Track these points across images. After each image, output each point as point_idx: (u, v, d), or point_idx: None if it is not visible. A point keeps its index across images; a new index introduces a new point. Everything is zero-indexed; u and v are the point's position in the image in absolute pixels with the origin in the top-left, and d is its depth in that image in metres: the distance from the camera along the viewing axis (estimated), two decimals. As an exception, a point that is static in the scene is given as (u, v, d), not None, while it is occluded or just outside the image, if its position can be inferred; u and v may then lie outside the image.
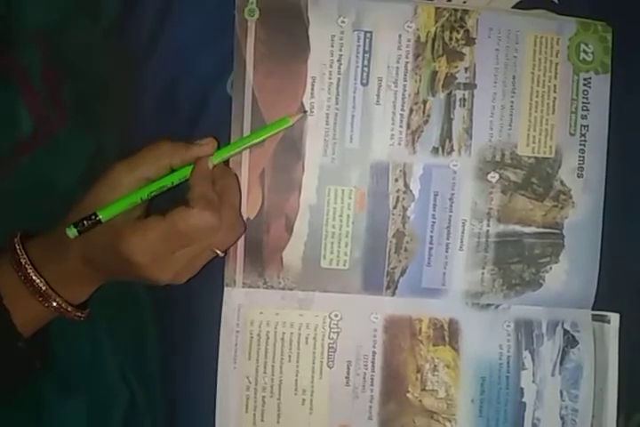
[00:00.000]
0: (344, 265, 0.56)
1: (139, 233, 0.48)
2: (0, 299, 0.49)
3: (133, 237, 0.48)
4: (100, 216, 0.48)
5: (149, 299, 0.57)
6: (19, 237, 0.50)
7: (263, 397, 0.56)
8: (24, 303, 0.50)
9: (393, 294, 0.56)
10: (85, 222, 0.48)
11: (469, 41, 0.55)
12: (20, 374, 0.52)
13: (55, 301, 0.50)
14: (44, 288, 0.49)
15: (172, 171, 0.51)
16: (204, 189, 0.49)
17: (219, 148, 0.52)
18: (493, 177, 0.56)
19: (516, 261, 0.57)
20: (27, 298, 0.49)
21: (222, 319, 0.56)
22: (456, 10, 0.55)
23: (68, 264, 0.50)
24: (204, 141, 0.51)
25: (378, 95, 0.55)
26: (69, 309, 0.51)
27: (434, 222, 0.56)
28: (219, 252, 0.51)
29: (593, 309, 0.57)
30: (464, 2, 0.56)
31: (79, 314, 0.51)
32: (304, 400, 0.56)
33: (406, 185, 0.56)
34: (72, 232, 0.48)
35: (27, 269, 0.49)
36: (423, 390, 0.57)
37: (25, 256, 0.49)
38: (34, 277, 0.49)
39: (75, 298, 0.51)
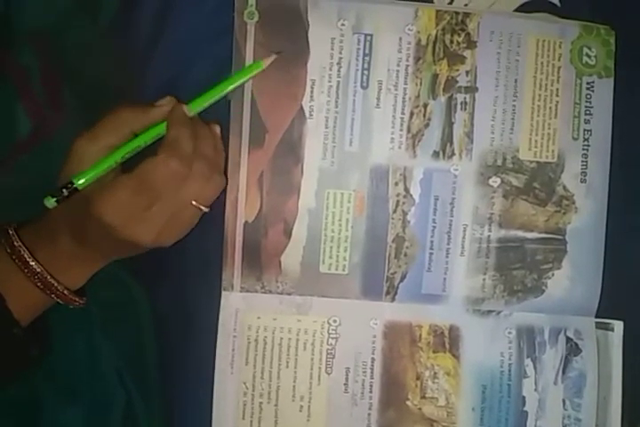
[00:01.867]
0: (343, 270, 0.55)
1: (106, 193, 0.47)
2: None
3: (102, 198, 0.47)
4: (76, 184, 0.48)
5: (147, 303, 0.56)
6: (10, 224, 0.50)
7: (260, 403, 0.56)
8: (19, 289, 0.49)
9: (393, 299, 0.56)
10: (63, 191, 0.48)
11: (470, 44, 0.55)
12: (17, 361, 0.52)
13: (51, 283, 0.49)
14: (39, 270, 0.49)
15: (136, 135, 0.50)
16: (177, 134, 0.48)
17: (196, 97, 0.51)
18: (495, 182, 0.56)
19: (517, 267, 0.56)
20: (22, 283, 0.49)
21: (219, 324, 0.55)
22: (457, 13, 0.55)
23: (59, 246, 0.49)
24: (162, 102, 0.50)
25: (378, 98, 0.55)
26: (66, 292, 0.50)
27: (434, 227, 0.56)
28: (202, 207, 0.49)
29: (596, 316, 0.56)
30: (465, 5, 0.55)
31: (77, 299, 0.51)
32: (302, 407, 0.56)
33: (406, 189, 0.55)
34: (50, 202, 0.48)
35: (21, 252, 0.49)
36: (423, 397, 0.56)
37: (18, 239, 0.49)
38: (28, 260, 0.49)
39: (71, 282, 0.51)
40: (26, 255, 0.49)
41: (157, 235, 0.49)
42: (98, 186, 0.48)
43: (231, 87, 0.52)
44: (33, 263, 0.49)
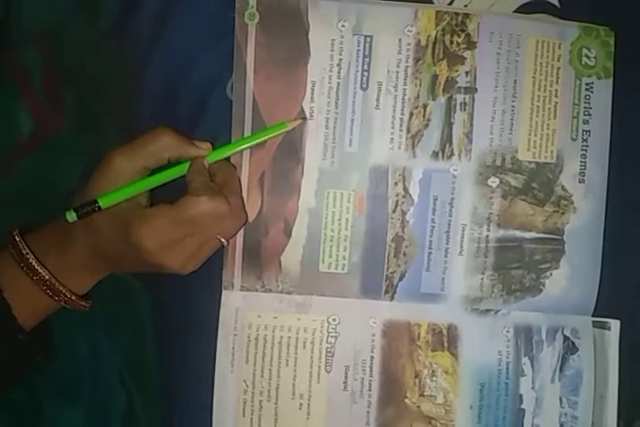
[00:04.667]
0: (342, 269, 0.56)
1: (148, 220, 0.48)
2: (0, 291, 0.49)
3: (143, 224, 0.48)
4: (100, 203, 0.49)
5: (147, 302, 0.57)
6: (17, 229, 0.50)
7: (260, 401, 0.56)
8: (25, 295, 0.50)
9: (392, 298, 0.56)
10: (86, 208, 0.49)
11: (470, 45, 0.55)
12: (21, 366, 0.52)
13: (59, 290, 0.50)
14: (47, 277, 0.49)
15: (169, 163, 0.51)
16: (203, 180, 0.50)
17: (216, 147, 0.52)
18: (494, 182, 0.56)
19: (515, 267, 0.56)
20: (28, 289, 0.49)
21: (220, 322, 0.56)
22: (457, 13, 0.55)
23: (69, 255, 0.50)
24: (202, 145, 0.52)
25: (378, 99, 0.55)
26: (73, 298, 0.51)
27: (433, 227, 0.56)
28: (224, 240, 0.51)
29: (593, 315, 0.57)
30: (465, 5, 0.55)
31: (83, 303, 0.52)
32: (301, 405, 0.56)
33: (405, 189, 0.56)
34: (71, 216, 0.49)
35: (29, 260, 0.49)
36: (421, 395, 0.57)
37: (25, 247, 0.50)
38: (36, 267, 0.49)
39: (78, 288, 0.51)
40: (34, 263, 0.49)
41: (184, 263, 0.50)
42: (129, 209, 0.49)
43: (253, 143, 0.53)
44: (41, 271, 0.49)
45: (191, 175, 0.51)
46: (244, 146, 0.53)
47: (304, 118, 0.54)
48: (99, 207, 0.49)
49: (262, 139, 0.53)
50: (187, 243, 0.49)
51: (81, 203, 0.49)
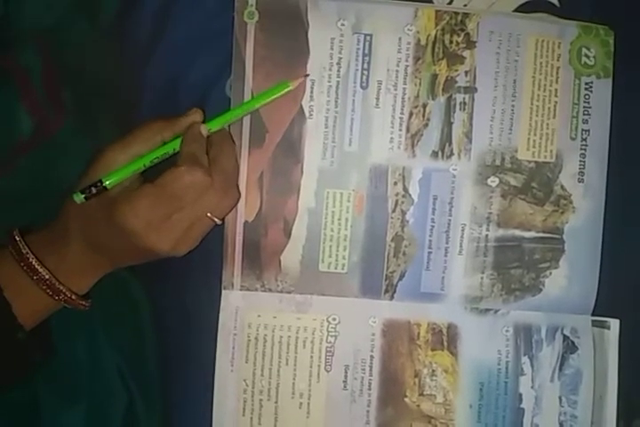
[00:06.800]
0: (342, 269, 0.56)
1: (130, 200, 0.48)
2: (0, 291, 0.49)
3: (126, 205, 0.48)
4: (106, 183, 0.49)
5: (147, 301, 0.57)
6: (17, 230, 0.50)
7: (260, 400, 0.56)
8: (26, 295, 0.50)
9: (391, 298, 0.56)
10: (92, 189, 0.49)
11: (470, 44, 0.55)
12: (21, 366, 0.52)
13: (59, 289, 0.50)
14: (47, 277, 0.49)
15: (165, 144, 0.51)
16: (192, 148, 0.50)
17: (217, 115, 0.52)
18: (493, 181, 0.56)
19: (515, 266, 0.56)
20: (29, 289, 0.49)
21: (220, 322, 0.56)
22: (457, 13, 0.55)
23: (69, 254, 0.50)
24: (190, 112, 0.51)
25: (377, 98, 0.55)
26: (73, 297, 0.51)
27: (433, 226, 0.56)
28: (216, 219, 0.50)
29: (593, 314, 0.57)
30: (465, 5, 0.55)
31: (83, 303, 0.51)
32: (301, 404, 0.56)
33: (405, 189, 0.56)
34: (79, 198, 0.49)
35: (29, 259, 0.49)
36: (421, 394, 0.57)
37: (26, 246, 0.49)
38: (36, 267, 0.49)
39: (78, 288, 0.51)
40: (34, 262, 0.49)
41: (174, 244, 0.49)
42: (117, 193, 0.49)
43: (255, 107, 0.53)
44: (42, 270, 0.49)
45: (184, 141, 0.50)
46: (248, 110, 0.53)
47: (306, 75, 0.54)
48: (104, 187, 0.49)
49: (265, 101, 0.52)
50: (174, 221, 0.49)
51: (85, 185, 0.49)
